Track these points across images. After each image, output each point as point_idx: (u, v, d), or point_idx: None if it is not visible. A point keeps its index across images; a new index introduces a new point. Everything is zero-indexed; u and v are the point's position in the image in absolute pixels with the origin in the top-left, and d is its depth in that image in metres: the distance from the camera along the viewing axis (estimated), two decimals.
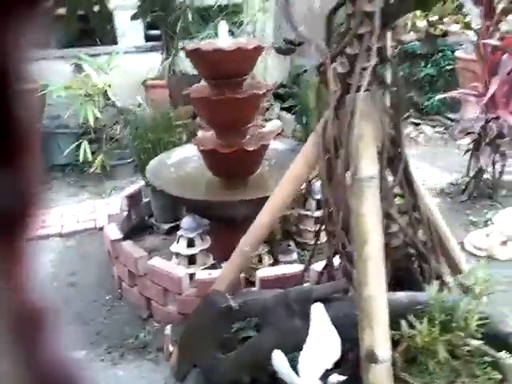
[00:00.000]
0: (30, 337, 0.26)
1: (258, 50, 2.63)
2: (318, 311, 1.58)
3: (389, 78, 1.61)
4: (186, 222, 2.62)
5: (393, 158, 1.66)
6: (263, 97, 2.72)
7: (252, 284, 2.37)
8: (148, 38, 5.26)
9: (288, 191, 1.81)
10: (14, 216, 0.25)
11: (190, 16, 3.93)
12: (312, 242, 3.00)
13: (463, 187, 3.84)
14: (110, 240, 2.65)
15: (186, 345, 1.86)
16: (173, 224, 3.22)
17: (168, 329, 2.11)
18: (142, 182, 3.40)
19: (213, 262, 2.69)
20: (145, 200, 3.36)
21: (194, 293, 2.28)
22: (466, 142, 3.91)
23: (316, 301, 1.61)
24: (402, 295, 1.60)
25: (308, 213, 3.01)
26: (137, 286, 2.51)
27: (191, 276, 2.33)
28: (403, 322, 1.48)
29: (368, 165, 1.51)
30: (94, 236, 3.34)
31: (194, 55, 2.62)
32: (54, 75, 4.39)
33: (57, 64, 4.70)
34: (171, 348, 2.07)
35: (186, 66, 4.30)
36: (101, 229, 3.36)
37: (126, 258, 2.51)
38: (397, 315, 1.50)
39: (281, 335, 1.65)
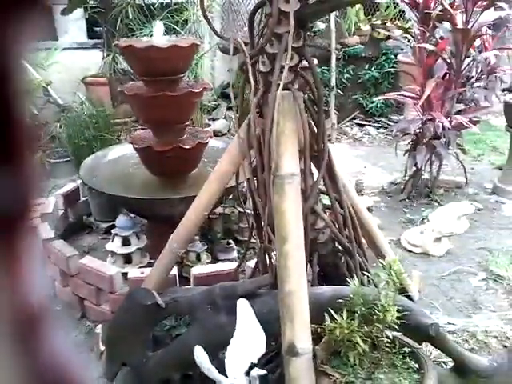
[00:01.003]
0: (29, 337, 0.26)
1: (193, 47, 2.61)
2: (243, 307, 1.59)
3: (310, 77, 1.64)
4: (121, 220, 2.59)
5: (316, 155, 1.69)
6: (199, 95, 2.71)
7: (188, 282, 2.36)
8: (91, 36, 5.16)
9: (214, 189, 1.82)
10: (13, 216, 0.25)
11: (130, 13, 3.87)
12: (253, 241, 3.03)
13: (402, 187, 3.96)
14: (41, 239, 2.57)
15: (114, 343, 1.83)
16: (111, 223, 3.16)
17: (99, 328, 2.07)
18: (81, 181, 3.32)
19: (150, 261, 2.66)
20: (83, 199, 3.28)
21: (126, 292, 2.24)
22: (406, 142, 4.04)
23: (241, 296, 1.62)
24: (326, 289, 1.63)
25: (248, 211, 3.01)
26: (69, 285, 2.45)
27: (125, 275, 2.29)
28: (326, 316, 1.51)
29: (288, 162, 1.53)
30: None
31: (128, 52, 2.58)
32: None
33: None
34: (102, 347, 2.03)
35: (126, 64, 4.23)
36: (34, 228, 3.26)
37: (57, 258, 2.44)
38: (321, 309, 1.53)
39: (207, 331, 1.65)
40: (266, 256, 1.80)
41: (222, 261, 2.78)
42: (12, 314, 0.25)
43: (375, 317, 1.51)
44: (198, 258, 2.72)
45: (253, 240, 3.00)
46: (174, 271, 2.20)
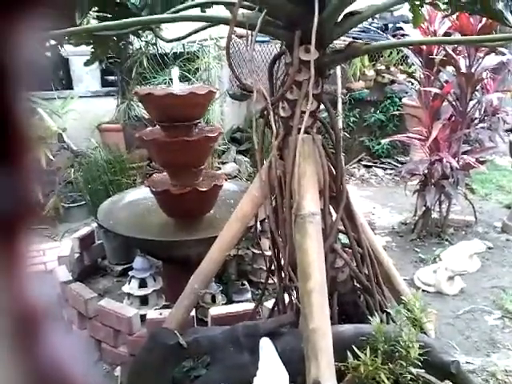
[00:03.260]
0: (29, 337, 0.26)
1: (210, 95, 2.72)
2: (265, 346, 1.61)
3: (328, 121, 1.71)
4: (138, 262, 2.62)
5: (335, 195, 1.75)
6: (215, 140, 2.80)
7: (205, 323, 2.37)
8: (104, 84, 5.33)
9: (236, 229, 1.86)
10: (13, 216, 0.25)
11: (145, 62, 4.03)
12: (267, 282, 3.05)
13: (412, 226, 3.99)
14: (59, 282, 2.60)
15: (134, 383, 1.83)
16: (126, 266, 3.20)
17: (118, 370, 2.07)
18: (94, 225, 3.38)
19: (165, 303, 2.68)
20: (98, 242, 3.32)
21: (145, 333, 2.25)
22: (414, 183, 4.11)
23: (264, 335, 1.64)
24: (348, 327, 1.65)
25: (265, 252, 3.04)
26: (86, 328, 2.46)
27: (142, 317, 2.30)
28: (349, 353, 1.52)
29: (310, 202, 1.59)
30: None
31: (147, 99, 2.69)
32: None
33: None
34: None
35: (140, 110, 4.37)
36: (50, 271, 3.29)
37: (76, 300, 2.47)
38: (343, 347, 1.55)
39: (230, 370, 1.66)
40: (286, 295, 1.82)
41: (237, 302, 2.79)
42: (12, 314, 0.25)
43: (398, 354, 1.53)
44: (213, 300, 2.73)
45: (269, 281, 3.03)
46: (192, 312, 2.22)
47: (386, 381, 1.43)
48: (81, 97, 4.97)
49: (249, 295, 2.92)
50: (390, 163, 5.86)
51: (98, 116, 4.79)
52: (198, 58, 4.62)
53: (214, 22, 1.99)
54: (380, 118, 5.83)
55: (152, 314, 2.27)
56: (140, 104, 4.39)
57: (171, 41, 2.29)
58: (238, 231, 1.85)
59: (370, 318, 1.74)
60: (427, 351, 1.56)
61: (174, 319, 1.91)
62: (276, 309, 2.02)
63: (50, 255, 3.52)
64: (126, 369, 2.07)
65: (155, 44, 4.03)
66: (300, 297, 1.53)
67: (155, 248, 2.71)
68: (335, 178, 1.75)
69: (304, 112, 1.61)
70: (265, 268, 3.05)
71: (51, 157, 4.10)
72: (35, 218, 0.27)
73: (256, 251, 3.08)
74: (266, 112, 1.73)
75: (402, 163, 5.77)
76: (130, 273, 2.62)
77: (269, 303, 2.30)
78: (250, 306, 2.33)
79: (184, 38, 2.25)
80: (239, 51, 5.05)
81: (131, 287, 2.57)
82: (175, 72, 2.75)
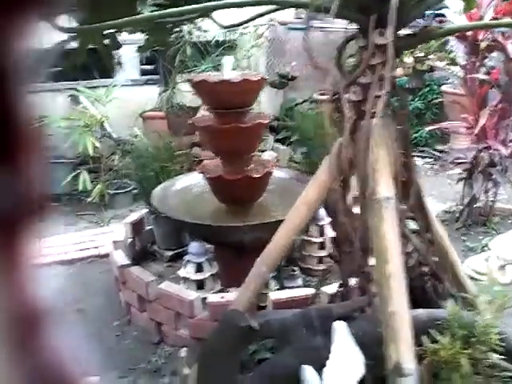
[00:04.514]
0: (28, 336, 0.26)
1: (262, 82, 2.74)
2: (340, 329, 1.62)
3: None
4: (194, 246, 2.66)
5: (405, 182, 1.75)
6: (266, 126, 2.81)
7: (262, 308, 2.40)
8: (143, 73, 5.38)
9: (302, 214, 1.88)
10: (13, 216, 0.25)
11: (188, 51, 4.06)
12: (316, 268, 3.07)
13: (457, 215, 3.95)
14: (117, 266, 2.66)
15: (205, 366, 1.87)
16: (176, 251, 3.25)
17: (183, 352, 2.12)
18: (143, 211, 3.43)
19: (220, 287, 2.72)
20: (147, 227, 3.38)
21: (206, 316, 2.29)
22: (456, 171, 4.06)
23: (337, 319, 1.66)
24: (421, 312, 1.66)
25: (311, 239, 3.06)
26: (146, 310, 2.52)
27: (202, 300, 2.35)
28: (425, 338, 1.53)
29: (385, 187, 1.59)
30: (96, 263, 3.34)
31: (200, 86, 2.71)
32: (51, 107, 4.46)
33: (53, 96, 4.78)
34: (186, 371, 2.07)
35: (182, 98, 4.40)
36: (103, 256, 3.38)
37: (136, 283, 2.52)
38: (417, 332, 1.55)
39: (301, 353, 1.68)
40: (355, 281, 1.84)
41: (289, 288, 2.82)
42: (11, 314, 0.25)
43: (475, 339, 1.53)
44: (266, 285, 2.76)
45: (319, 266, 3.05)
46: None
47: (466, 365, 1.44)
48: (122, 85, 5.02)
49: (300, 281, 2.94)
50: (428, 152, 5.79)
51: (139, 104, 4.84)
52: (237, 46, 4.62)
53: (286, 5, 1.99)
54: (418, 106, 5.76)
55: (213, 297, 2.31)
56: (181, 92, 4.43)
57: (228, 27, 2.31)
58: (305, 216, 1.87)
59: (438, 303, 1.75)
60: (503, 338, 1.56)
61: (241, 303, 1.94)
62: (339, 294, 2.03)
63: (100, 240, 3.60)
64: (192, 350, 2.12)
65: (206, 31, 4.05)
66: (377, 281, 1.54)
67: (209, 233, 2.74)
68: (405, 164, 1.74)
69: (378, 96, 1.60)
70: (313, 254, 3.09)
71: (97, 144, 4.17)
72: (36, 217, 0.27)
73: (305, 238, 3.10)
74: (335, 96, 1.73)
75: (440, 152, 5.70)
76: (186, 257, 2.66)
77: (327, 289, 2.32)
78: (309, 291, 2.35)
79: (243, 23, 2.26)
80: (279, 39, 5.04)
81: (187, 271, 2.61)
82: (227, 60, 2.76)
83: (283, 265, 3.10)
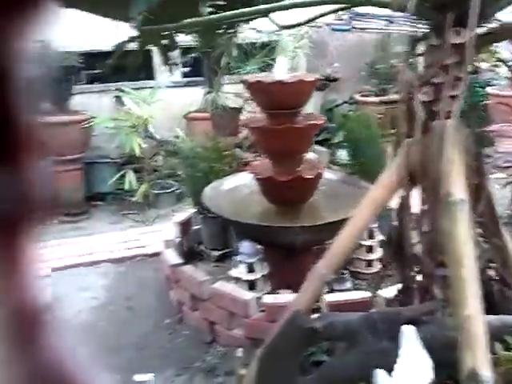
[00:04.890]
0: (28, 336, 0.26)
1: (315, 82, 2.73)
2: (408, 333, 1.59)
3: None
4: (246, 247, 2.66)
5: (476, 185, 1.71)
6: (319, 127, 2.80)
7: (315, 310, 2.38)
8: (185, 74, 5.43)
9: (366, 215, 1.85)
10: (13, 216, 0.25)
11: (235, 52, 4.07)
12: (365, 271, 3.04)
13: (505, 220, 3.84)
14: (169, 265, 2.69)
15: (266, 366, 1.87)
16: (223, 251, 3.27)
17: (239, 352, 2.12)
18: (190, 210, 3.46)
19: (270, 288, 2.72)
20: (194, 227, 3.41)
21: (261, 317, 2.29)
22: (503, 175, 3.96)
23: (404, 323, 1.63)
24: (492, 318, 1.61)
25: (360, 241, 3.03)
26: (199, 310, 2.53)
27: (257, 300, 2.35)
28: (499, 345, 1.49)
29: (459, 189, 1.56)
30: (144, 262, 3.38)
31: (255, 87, 2.72)
32: (96, 108, 4.54)
33: (99, 97, 4.87)
34: (243, 372, 2.07)
35: (225, 99, 4.43)
36: (151, 255, 3.41)
37: (188, 282, 2.54)
38: (490, 338, 1.51)
39: (366, 356, 1.66)
40: (419, 284, 1.80)
41: (338, 291, 2.80)
42: (11, 315, 0.25)
43: None
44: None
45: (368, 270, 3.02)
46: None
47: None
48: (165, 87, 5.07)
49: (348, 284, 2.91)
50: None
51: (182, 106, 4.88)
52: (280, 47, 4.62)
53: (352, 4, 1.98)
54: (462, 108, 5.64)
55: (268, 298, 2.30)
56: (225, 93, 4.45)
57: (287, 27, 2.30)
58: (369, 217, 1.84)
59: (506, 308, 1.70)
60: None
61: (299, 305, 1.93)
62: (399, 297, 2.00)
63: (147, 239, 3.65)
64: (248, 351, 2.12)
65: (260, 31, 4.07)
66: (451, 285, 1.51)
67: (261, 233, 2.74)
68: (477, 168, 1.70)
69: (453, 96, 1.57)
70: (362, 258, 3.06)
71: (143, 145, 4.23)
72: (36, 218, 0.26)
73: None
74: (405, 97, 1.70)
75: (486, 156, 5.58)
76: (238, 257, 2.67)
77: (383, 292, 2.29)
78: (364, 294, 2.33)
79: (304, 24, 2.26)
80: (321, 40, 5.02)
81: (239, 271, 2.62)
82: (281, 61, 2.76)
83: None
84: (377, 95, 4.88)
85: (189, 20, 2.19)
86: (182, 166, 3.41)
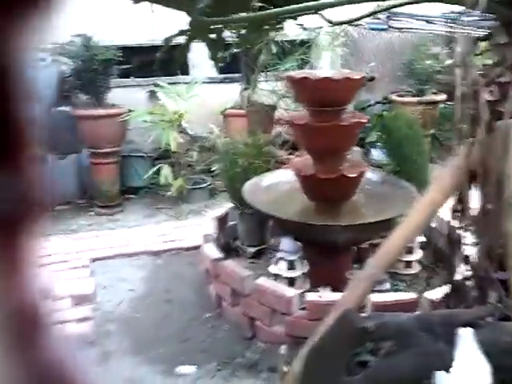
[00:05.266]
0: (27, 336, 0.26)
1: (362, 80, 2.70)
2: (465, 336, 1.57)
3: None
4: (287, 244, 2.65)
5: None
6: (364, 125, 2.78)
7: (360, 310, 2.36)
8: (221, 70, 5.43)
9: (422, 216, 1.82)
10: (13, 217, 0.25)
11: (274, 49, 4.06)
12: (404, 272, 3.00)
13: None
14: (210, 259, 2.69)
15: (312, 364, 1.85)
16: (259, 248, 3.26)
17: (283, 349, 2.11)
18: (225, 206, 3.46)
19: (309, 286, 2.70)
20: (230, 223, 3.41)
21: (304, 315, 2.28)
22: None
23: (461, 325, 1.60)
24: None
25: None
26: (239, 305, 2.53)
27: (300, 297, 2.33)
28: None
29: None
30: (181, 256, 3.39)
31: (301, 83, 2.70)
32: (130, 102, 4.56)
33: (131, 92, 4.90)
34: (286, 369, 2.06)
35: (262, 97, 4.42)
36: (187, 249, 3.43)
37: (230, 277, 2.54)
38: None
39: (420, 358, 1.64)
40: (477, 286, 1.77)
41: (377, 291, 2.78)
42: (11, 315, 0.25)
43: None
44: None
45: (407, 271, 2.98)
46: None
47: None
48: (194, 83, 5.08)
49: (387, 285, 2.88)
50: None
51: (217, 102, 4.89)
52: (318, 45, 4.58)
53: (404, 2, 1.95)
54: None
55: (312, 295, 2.29)
56: (261, 90, 4.44)
57: (338, 24, 2.29)
58: (425, 218, 1.81)
59: None
60: None
61: (347, 304, 1.91)
62: (447, 300, 1.97)
63: (182, 233, 3.67)
64: (292, 348, 2.11)
65: (306, 29, 4.04)
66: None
67: (301, 231, 2.73)
68: None
69: None
70: (401, 259, 3.03)
71: (180, 140, 4.25)
72: (37, 218, 0.26)
73: None
74: (469, 96, 1.67)
75: None
76: (279, 254, 2.66)
77: (429, 293, 2.26)
78: (409, 295, 2.30)
79: (355, 20, 2.23)
80: (359, 38, 4.98)
81: (279, 268, 2.61)
82: (326, 57, 2.74)
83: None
84: (413, 95, 4.82)
85: (240, 15, 2.19)
86: (219, 162, 3.40)
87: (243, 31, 2.51)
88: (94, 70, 3.93)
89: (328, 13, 2.08)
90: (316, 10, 2.19)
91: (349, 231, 2.68)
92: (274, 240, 3.34)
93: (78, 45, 4.08)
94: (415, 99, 4.70)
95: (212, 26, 2.29)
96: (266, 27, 2.50)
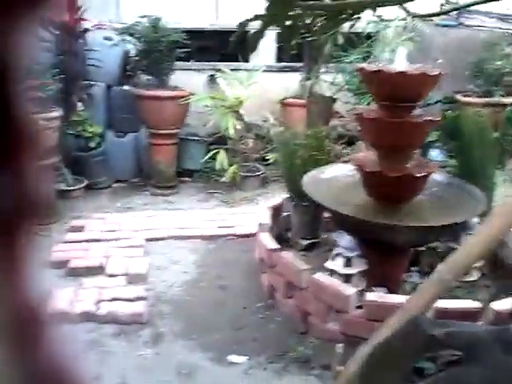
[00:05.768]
0: (27, 336, 0.26)
1: (438, 77, 2.59)
2: None
3: None
4: (345, 240, 2.59)
5: None
6: (437, 124, 2.67)
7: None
8: (280, 59, 5.37)
9: (502, 224, 1.73)
10: (12, 217, 0.25)
11: (340, 40, 3.97)
12: (463, 279, 2.89)
13: None
14: (266, 248, 2.67)
15: (374, 367, 1.80)
16: (311, 241, 3.22)
17: (339, 348, 2.07)
18: (282, 196, 3.43)
19: (365, 285, 2.64)
20: (284, 214, 3.37)
21: (361, 314, 2.22)
22: None
23: None
24: None
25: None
26: (293, 297, 2.50)
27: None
28: None
29: None
30: (233, 242, 3.39)
31: (374, 77, 2.62)
32: (189, 86, 4.56)
33: (190, 75, 4.90)
34: (341, 368, 2.02)
35: (322, 88, 4.34)
36: (239, 236, 3.42)
37: (286, 269, 2.51)
38: None
39: (495, 372, 1.56)
40: None
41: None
42: (11, 315, 0.25)
43: None
44: (414, 291, 2.64)
45: (468, 278, 2.87)
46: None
47: None
48: (255, 70, 5.04)
49: None
50: None
51: (274, 90, 4.83)
52: (384, 38, 4.45)
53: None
54: None
55: (371, 295, 2.23)
56: (322, 82, 4.35)
57: (421, 16, 2.19)
58: (506, 225, 1.72)
59: None
60: None
61: (413, 308, 1.84)
62: None
63: (234, 220, 3.66)
64: (348, 347, 2.06)
65: (384, 20, 3.95)
66: None
67: (361, 228, 2.65)
68: None
69: None
70: None
71: (238, 126, 4.23)
72: (36, 217, 0.26)
73: (454, 246, 2.92)
74: None
75: None
76: (336, 250, 2.61)
77: (496, 304, 2.16)
78: (474, 304, 2.21)
79: (443, 13, 2.13)
80: (426, 34, 4.80)
81: (336, 264, 2.56)
82: (401, 51, 2.64)
83: (425, 272, 2.96)
84: (479, 96, 4.61)
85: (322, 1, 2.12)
86: (277, 152, 3.36)
87: (319, 19, 2.46)
88: (160, 51, 3.94)
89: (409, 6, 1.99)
90: (401, 1, 2.11)
91: (412, 233, 2.60)
92: (327, 234, 3.30)
93: (145, 26, 4.11)
94: (482, 100, 4.50)
95: (290, 13, 2.25)
96: (344, 16, 2.44)
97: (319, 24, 2.50)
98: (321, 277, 2.37)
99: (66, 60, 3.85)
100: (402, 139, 2.58)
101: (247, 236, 3.39)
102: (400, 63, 2.66)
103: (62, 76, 3.78)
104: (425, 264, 2.98)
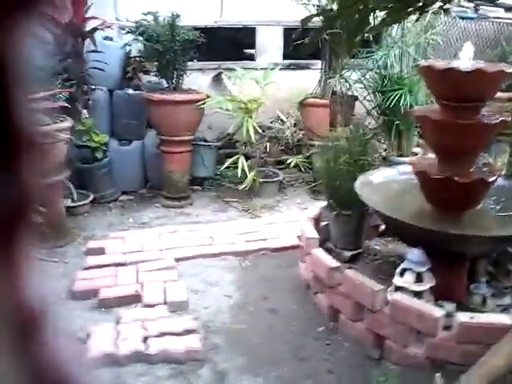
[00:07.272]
0: (28, 337, 0.26)
1: (500, 74, 2.37)
2: None
3: None
4: (415, 254, 2.36)
5: None
6: (504, 127, 2.48)
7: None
8: (286, 56, 5.12)
9: None
10: (12, 217, 0.25)
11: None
12: None
13: None
14: (327, 267, 2.41)
15: None
16: (355, 252, 2.99)
17: (437, 377, 1.84)
18: (320, 205, 3.18)
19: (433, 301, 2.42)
20: (323, 223, 3.13)
21: (451, 336, 2.00)
22: None
23: None
24: None
25: None
26: (363, 320, 2.25)
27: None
28: None
29: None
30: (268, 257, 3.11)
31: (427, 73, 2.42)
32: (193, 86, 4.26)
33: (194, 76, 4.60)
34: None
35: (344, 86, 4.11)
36: (274, 250, 3.16)
37: (354, 289, 2.26)
38: None
39: None
40: None
41: (498, 306, 2.50)
42: (11, 316, 0.25)
43: None
44: (484, 302, 2.44)
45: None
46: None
47: None
48: (263, 69, 4.78)
49: (508, 300, 2.58)
50: None
51: (286, 89, 4.57)
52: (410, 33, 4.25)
53: None
54: None
55: (462, 316, 2.00)
56: (345, 80, 4.12)
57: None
58: None
59: None
60: None
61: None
62: None
63: (263, 231, 3.39)
64: (450, 376, 1.83)
65: (448, 12, 3.73)
66: None
67: (426, 238, 2.42)
68: None
69: None
70: None
71: (258, 129, 3.96)
72: (35, 217, 0.26)
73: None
74: None
75: None
76: (404, 265, 2.37)
77: None
78: (504, 319, 2.02)
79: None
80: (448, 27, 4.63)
81: (405, 280, 2.32)
82: (467, 47, 2.42)
83: (484, 280, 2.76)
84: (502, 91, 4.45)
85: None
86: (319, 158, 3.11)
87: (382, 13, 2.23)
88: (175, 51, 3.62)
89: None
90: None
91: (483, 243, 2.39)
92: (369, 243, 3.08)
93: (160, 24, 3.77)
94: (506, 95, 4.35)
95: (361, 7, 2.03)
96: (410, 9, 2.21)
97: (383, 17, 2.27)
98: (401, 297, 2.13)
99: (71, 63, 3.49)
100: (469, 142, 2.37)
101: (282, 249, 3.13)
102: (465, 60, 2.43)
103: (68, 81, 3.42)
104: (483, 273, 2.78)
